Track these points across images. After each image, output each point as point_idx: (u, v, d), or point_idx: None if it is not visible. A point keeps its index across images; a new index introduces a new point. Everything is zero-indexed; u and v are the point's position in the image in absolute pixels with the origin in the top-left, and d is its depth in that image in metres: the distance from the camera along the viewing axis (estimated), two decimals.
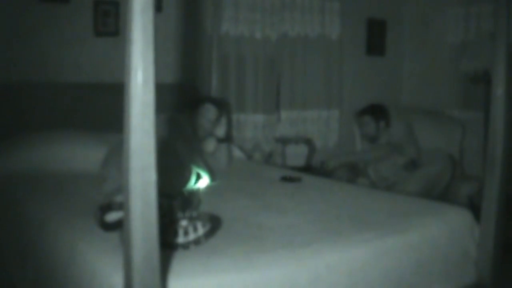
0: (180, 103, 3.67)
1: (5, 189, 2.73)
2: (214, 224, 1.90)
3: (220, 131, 3.35)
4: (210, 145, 3.42)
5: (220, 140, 3.37)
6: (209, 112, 3.33)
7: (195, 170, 2.82)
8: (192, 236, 1.78)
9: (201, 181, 2.82)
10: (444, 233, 2.21)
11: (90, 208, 2.09)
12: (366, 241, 1.96)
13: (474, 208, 2.57)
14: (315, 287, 1.76)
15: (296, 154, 4.53)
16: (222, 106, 3.52)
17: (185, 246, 1.75)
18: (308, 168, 4.28)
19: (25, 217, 2.34)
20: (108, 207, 1.94)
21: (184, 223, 1.81)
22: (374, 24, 5.08)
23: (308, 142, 4.58)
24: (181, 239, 1.76)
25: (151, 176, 1.29)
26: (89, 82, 3.65)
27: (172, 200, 2.02)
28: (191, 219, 1.84)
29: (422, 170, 3.92)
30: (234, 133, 4.33)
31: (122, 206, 1.35)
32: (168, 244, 1.72)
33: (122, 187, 1.32)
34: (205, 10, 4.08)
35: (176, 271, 1.56)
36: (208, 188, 2.79)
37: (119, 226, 1.75)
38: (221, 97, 3.97)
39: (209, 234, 1.84)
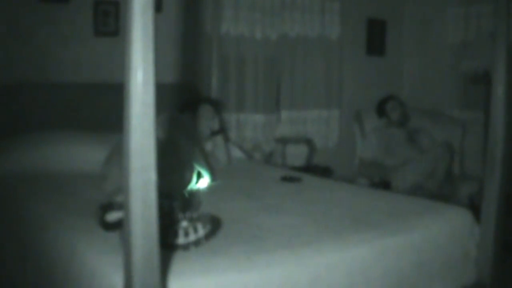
0: (177, 104, 3.68)
1: (5, 189, 2.72)
2: (215, 225, 1.90)
3: (214, 124, 3.44)
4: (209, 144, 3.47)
5: (215, 132, 3.42)
6: (207, 112, 3.39)
7: (197, 170, 2.82)
8: (192, 237, 1.77)
9: (202, 181, 2.82)
10: (444, 233, 2.21)
11: (90, 208, 2.09)
12: (366, 241, 1.96)
13: (474, 208, 2.56)
14: (315, 287, 1.76)
15: (296, 154, 4.53)
16: (218, 105, 3.61)
17: (185, 247, 1.75)
18: (308, 168, 4.28)
19: (25, 217, 2.34)
20: (109, 207, 1.94)
21: (184, 224, 1.81)
22: (374, 24, 5.07)
23: (308, 142, 4.58)
24: (181, 240, 1.75)
25: (151, 176, 1.29)
26: (89, 82, 3.64)
27: (173, 201, 2.02)
28: (192, 220, 1.84)
29: (416, 161, 3.95)
30: (234, 133, 4.33)
31: (123, 205, 1.35)
32: (168, 245, 1.72)
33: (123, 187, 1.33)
34: (205, 10, 4.08)
35: (176, 271, 1.56)
36: (208, 188, 2.79)
37: (120, 225, 1.75)
38: (216, 96, 3.99)
39: (210, 235, 1.84)
